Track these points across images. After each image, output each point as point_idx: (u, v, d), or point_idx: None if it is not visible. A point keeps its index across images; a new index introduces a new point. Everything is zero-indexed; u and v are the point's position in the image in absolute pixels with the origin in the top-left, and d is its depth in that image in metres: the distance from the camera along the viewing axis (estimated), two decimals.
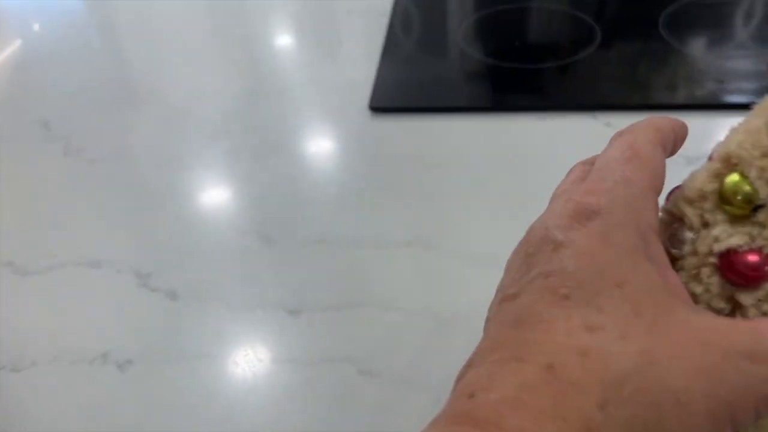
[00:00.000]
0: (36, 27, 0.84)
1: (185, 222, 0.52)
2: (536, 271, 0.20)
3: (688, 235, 0.23)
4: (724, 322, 0.19)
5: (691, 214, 0.23)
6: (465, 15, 0.78)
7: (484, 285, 0.43)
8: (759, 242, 0.21)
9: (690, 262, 0.23)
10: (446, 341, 0.42)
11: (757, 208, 0.22)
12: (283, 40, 0.78)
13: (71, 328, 0.44)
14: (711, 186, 0.23)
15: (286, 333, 0.42)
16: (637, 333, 0.18)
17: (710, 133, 0.55)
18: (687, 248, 0.23)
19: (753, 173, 0.22)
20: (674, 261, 0.23)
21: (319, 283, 0.46)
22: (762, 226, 0.22)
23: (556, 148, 0.58)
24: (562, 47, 0.72)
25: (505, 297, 0.21)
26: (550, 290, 0.19)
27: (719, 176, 0.22)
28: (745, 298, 0.22)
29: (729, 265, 0.22)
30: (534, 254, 0.21)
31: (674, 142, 0.25)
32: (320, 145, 0.60)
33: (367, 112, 0.62)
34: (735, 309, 0.23)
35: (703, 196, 0.23)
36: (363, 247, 0.48)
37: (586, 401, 0.17)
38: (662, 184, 0.23)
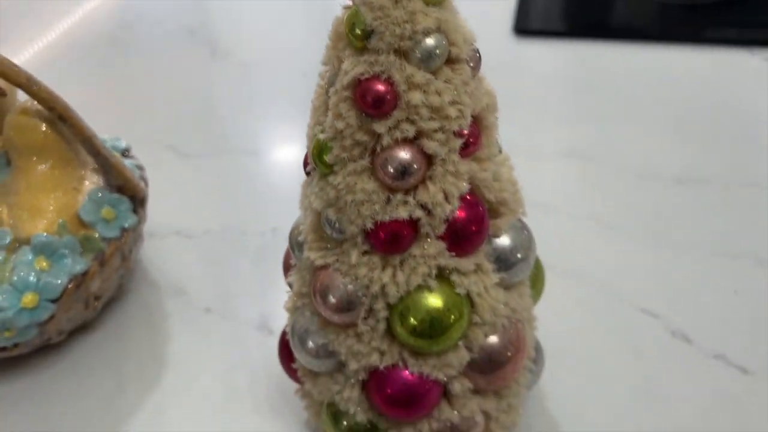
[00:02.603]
0: None
1: None
2: None
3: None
4: None
5: (331, 55, 0.24)
6: None
7: (640, 194, 0.47)
8: (377, 68, 0.22)
9: (332, 100, 0.23)
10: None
11: (371, 36, 0.22)
12: None
13: (238, 205, 0.50)
14: (342, 27, 0.23)
15: None
16: None
17: None
18: (331, 90, 0.24)
19: (358, 2, 0.22)
20: None
21: None
22: (376, 52, 0.22)
23: (711, 79, 0.57)
24: None
25: None
26: None
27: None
28: (378, 127, 0.23)
29: (361, 95, 0.22)
30: None
31: None
32: None
33: (511, 35, 0.63)
34: (376, 140, 0.24)
35: (339, 37, 0.23)
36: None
37: None
38: None
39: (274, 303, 0.41)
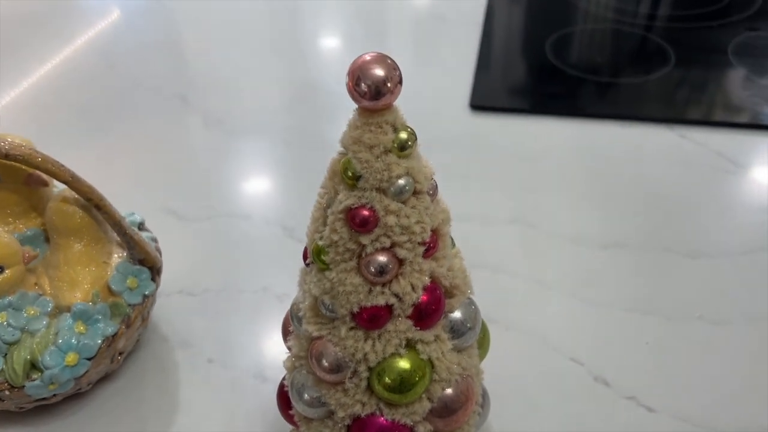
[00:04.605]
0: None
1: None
2: None
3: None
4: None
5: (329, 186, 0.33)
6: (552, 29, 0.87)
7: (571, 258, 0.57)
8: (363, 200, 0.31)
9: (330, 218, 0.32)
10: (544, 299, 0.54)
11: (359, 179, 0.31)
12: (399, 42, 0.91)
13: (233, 265, 0.58)
14: (338, 167, 0.32)
15: None
16: None
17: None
18: (329, 210, 0.33)
19: (350, 155, 0.31)
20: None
21: None
22: (363, 189, 0.31)
23: (635, 152, 0.68)
24: (639, 66, 0.80)
25: None
26: None
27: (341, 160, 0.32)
28: (364, 240, 0.32)
29: (352, 218, 0.31)
30: None
31: None
32: (425, 138, 0.72)
33: (468, 110, 0.73)
34: (362, 248, 0.32)
35: (335, 173, 0.33)
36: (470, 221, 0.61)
37: None
38: None
39: (268, 355, 0.49)
